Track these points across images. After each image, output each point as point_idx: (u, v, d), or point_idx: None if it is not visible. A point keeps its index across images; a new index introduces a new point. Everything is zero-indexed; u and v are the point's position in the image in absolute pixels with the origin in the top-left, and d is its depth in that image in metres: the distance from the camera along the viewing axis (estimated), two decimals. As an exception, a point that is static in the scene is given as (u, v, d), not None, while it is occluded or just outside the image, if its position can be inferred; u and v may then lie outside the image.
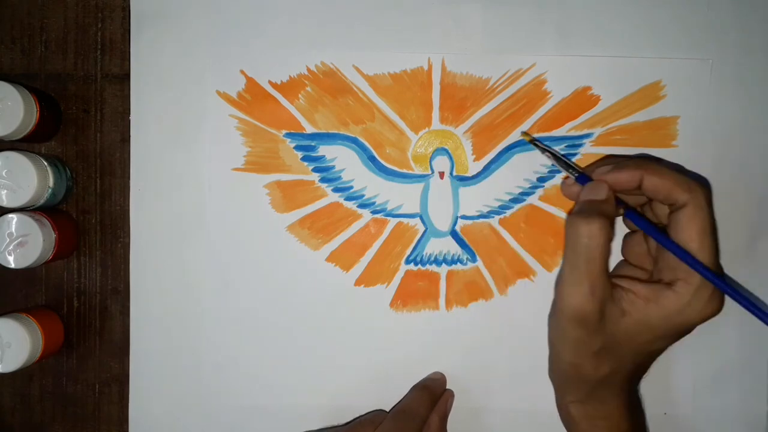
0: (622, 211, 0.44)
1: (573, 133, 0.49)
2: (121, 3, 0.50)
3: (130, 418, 0.50)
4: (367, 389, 0.50)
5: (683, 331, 0.41)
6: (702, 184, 0.41)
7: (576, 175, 0.44)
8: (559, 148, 0.49)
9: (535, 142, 0.48)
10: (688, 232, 0.39)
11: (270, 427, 0.50)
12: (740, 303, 0.39)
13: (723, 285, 0.39)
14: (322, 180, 0.50)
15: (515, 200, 0.49)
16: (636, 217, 0.43)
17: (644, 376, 0.46)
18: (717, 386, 0.50)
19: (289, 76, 0.49)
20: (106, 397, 0.51)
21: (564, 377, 0.44)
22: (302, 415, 0.50)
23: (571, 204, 0.49)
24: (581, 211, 0.40)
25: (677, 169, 0.42)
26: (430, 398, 0.47)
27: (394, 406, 0.48)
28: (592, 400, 0.43)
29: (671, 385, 0.50)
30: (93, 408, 0.51)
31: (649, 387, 0.50)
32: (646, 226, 0.42)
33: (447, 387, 0.49)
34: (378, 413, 0.49)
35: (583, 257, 0.39)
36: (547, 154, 0.46)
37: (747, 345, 0.50)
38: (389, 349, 0.50)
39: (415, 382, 0.49)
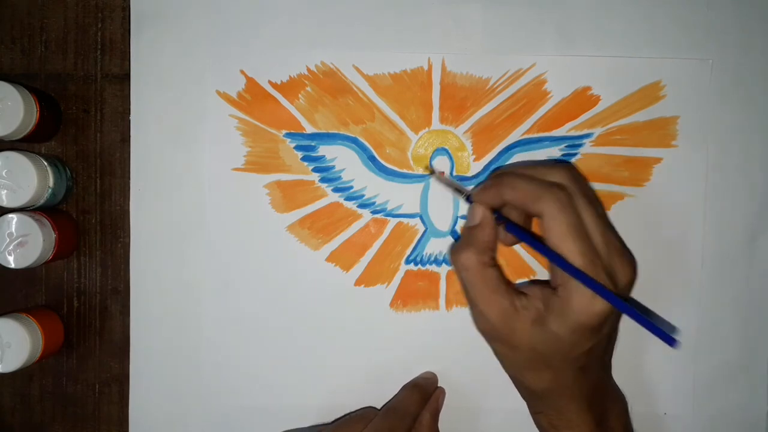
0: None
1: (573, 133, 0.49)
2: (121, 3, 0.50)
3: (130, 418, 0.50)
4: (367, 389, 0.50)
5: (588, 331, 0.39)
6: (559, 186, 0.40)
7: (465, 198, 0.46)
8: (558, 148, 0.49)
9: (434, 175, 0.49)
10: (553, 239, 0.40)
11: (270, 427, 0.50)
12: (609, 300, 0.38)
13: (589, 281, 0.38)
14: (322, 180, 0.50)
15: (515, 200, 0.49)
16: (512, 228, 0.43)
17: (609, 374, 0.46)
18: (717, 386, 0.50)
19: (289, 76, 0.49)
20: (106, 397, 0.51)
21: (519, 391, 0.45)
22: (302, 415, 0.50)
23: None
24: (457, 242, 0.43)
25: (536, 172, 0.42)
26: (421, 396, 0.47)
27: (385, 404, 0.48)
28: (551, 410, 0.43)
29: (671, 385, 0.50)
30: (93, 408, 0.51)
31: (649, 387, 0.50)
32: (521, 235, 0.42)
33: (444, 386, 0.50)
34: (368, 410, 0.49)
35: (466, 284, 0.42)
36: (443, 184, 0.48)
37: (747, 345, 0.50)
38: (389, 349, 0.50)
39: (416, 382, 0.49)
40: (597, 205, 0.42)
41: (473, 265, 0.42)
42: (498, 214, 0.43)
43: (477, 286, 0.41)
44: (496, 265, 0.42)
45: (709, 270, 0.50)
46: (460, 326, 0.49)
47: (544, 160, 0.48)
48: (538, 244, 0.41)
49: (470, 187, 0.48)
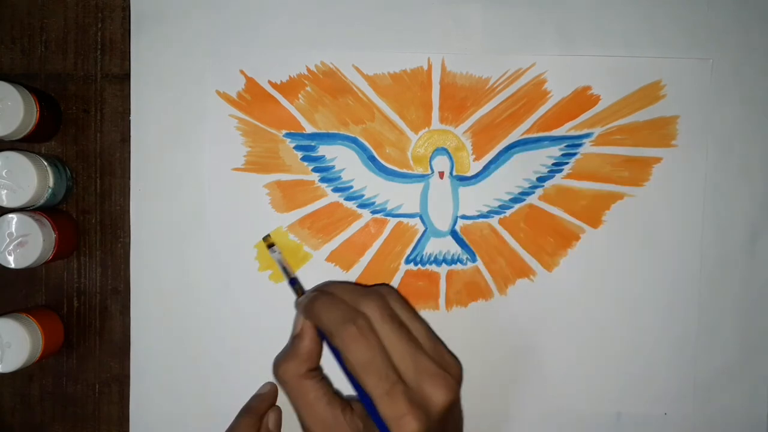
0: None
1: (573, 132, 0.49)
2: (121, 3, 0.50)
3: (130, 418, 0.50)
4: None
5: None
6: (361, 316, 0.40)
7: (289, 280, 0.48)
8: (558, 148, 0.49)
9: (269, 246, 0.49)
10: (352, 373, 0.40)
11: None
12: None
13: (376, 418, 0.39)
14: (322, 180, 0.50)
15: (515, 200, 0.49)
16: (324, 339, 0.43)
17: None
18: (717, 386, 0.50)
19: (289, 76, 0.49)
20: (106, 397, 0.51)
21: None
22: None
23: (573, 204, 0.49)
24: (281, 352, 0.44)
25: (351, 297, 0.42)
26: (254, 420, 0.47)
27: None
28: None
29: (671, 385, 0.50)
30: (93, 408, 0.51)
31: (649, 387, 0.50)
32: (335, 355, 0.42)
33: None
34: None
35: (288, 396, 0.42)
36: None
37: (747, 345, 0.50)
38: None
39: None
40: (407, 329, 0.41)
41: (291, 377, 0.42)
42: (320, 330, 0.43)
43: (297, 398, 0.41)
44: (317, 376, 0.42)
45: (709, 270, 0.50)
46: (460, 326, 0.49)
47: (361, 287, 0.44)
48: (346, 369, 0.41)
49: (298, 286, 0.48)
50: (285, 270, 0.48)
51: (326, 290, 0.43)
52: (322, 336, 0.42)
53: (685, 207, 0.49)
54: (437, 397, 0.39)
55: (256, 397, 0.49)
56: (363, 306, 0.41)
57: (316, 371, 0.43)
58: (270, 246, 0.49)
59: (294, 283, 0.48)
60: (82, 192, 0.50)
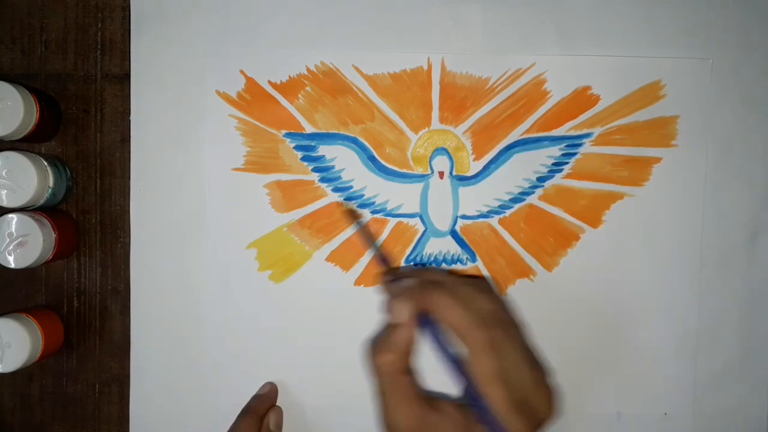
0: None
1: (573, 132, 0.49)
2: (121, 3, 0.50)
3: (130, 418, 0.50)
4: (367, 389, 0.50)
5: None
6: (486, 321, 0.38)
7: (388, 278, 0.44)
8: (558, 148, 0.49)
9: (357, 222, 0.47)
10: (477, 379, 0.37)
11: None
12: None
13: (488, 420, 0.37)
14: (322, 180, 0.50)
15: (515, 200, 0.49)
16: (436, 340, 0.40)
17: None
18: (717, 386, 0.50)
19: (289, 76, 0.49)
20: (106, 397, 0.51)
21: None
22: (302, 415, 0.50)
23: (573, 204, 0.49)
24: (376, 340, 0.40)
25: (465, 293, 0.39)
26: (255, 421, 0.47)
27: None
28: None
29: (671, 385, 0.50)
30: (93, 408, 0.51)
31: (649, 387, 0.50)
32: (444, 353, 0.39)
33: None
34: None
35: (382, 389, 0.39)
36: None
37: (747, 345, 0.50)
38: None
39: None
40: (523, 336, 0.39)
41: (391, 370, 0.38)
42: (425, 319, 0.39)
43: (393, 393, 0.38)
44: (411, 373, 0.39)
45: (709, 270, 0.50)
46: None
47: (474, 278, 0.43)
48: (460, 371, 0.38)
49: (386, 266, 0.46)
50: (375, 246, 0.45)
51: (440, 282, 0.40)
52: (426, 326, 0.39)
53: (685, 207, 0.49)
54: (544, 408, 0.38)
55: (256, 398, 0.49)
56: (484, 307, 0.38)
57: (411, 366, 0.39)
58: (355, 216, 0.47)
59: (383, 258, 0.44)
60: (82, 192, 0.50)
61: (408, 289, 0.40)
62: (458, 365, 0.38)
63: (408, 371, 0.39)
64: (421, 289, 0.40)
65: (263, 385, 0.50)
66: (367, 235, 0.46)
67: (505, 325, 0.38)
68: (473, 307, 0.38)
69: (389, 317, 0.40)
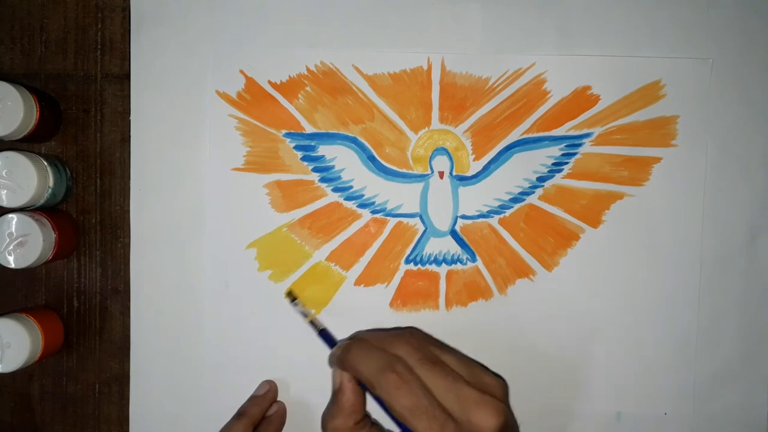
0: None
1: (572, 132, 0.49)
2: (121, 3, 0.50)
3: (130, 418, 0.50)
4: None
5: None
6: (397, 361, 0.40)
7: (318, 331, 0.47)
8: (558, 148, 0.49)
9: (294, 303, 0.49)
10: (397, 417, 0.39)
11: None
12: None
13: None
14: (322, 180, 0.50)
15: (515, 200, 0.49)
16: (373, 397, 0.41)
17: None
18: (717, 386, 0.50)
19: (289, 76, 0.49)
20: (106, 397, 0.51)
21: None
22: (302, 415, 0.50)
23: (573, 204, 0.49)
24: (326, 408, 0.43)
25: (383, 343, 0.41)
26: (246, 428, 0.46)
27: None
28: None
29: (671, 385, 0.50)
30: (93, 408, 0.51)
31: (649, 387, 0.50)
32: (381, 405, 0.41)
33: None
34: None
35: None
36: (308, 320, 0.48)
37: (747, 345, 0.50)
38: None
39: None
40: (443, 364, 0.41)
41: (341, 428, 0.41)
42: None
43: None
44: (367, 425, 0.42)
45: (709, 270, 0.50)
46: (460, 326, 0.49)
47: (389, 331, 0.45)
48: (392, 415, 0.40)
49: (322, 328, 0.48)
50: (313, 323, 0.48)
51: (358, 338, 0.43)
52: (363, 385, 0.42)
53: (685, 207, 0.49)
54: (487, 423, 0.39)
55: (252, 400, 0.49)
56: (395, 350, 0.41)
57: (364, 420, 0.42)
58: (293, 300, 0.49)
59: (324, 334, 0.47)
60: (82, 192, 0.50)
61: (333, 357, 0.43)
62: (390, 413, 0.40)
63: (359, 427, 0.41)
64: (341, 352, 0.42)
65: (261, 384, 0.49)
66: (311, 319, 0.49)
67: (417, 361, 0.40)
68: (378, 355, 0.40)
69: (333, 385, 0.43)
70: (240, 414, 0.47)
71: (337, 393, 0.42)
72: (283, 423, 0.49)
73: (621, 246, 0.49)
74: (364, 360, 0.41)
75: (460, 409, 0.39)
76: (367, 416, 0.42)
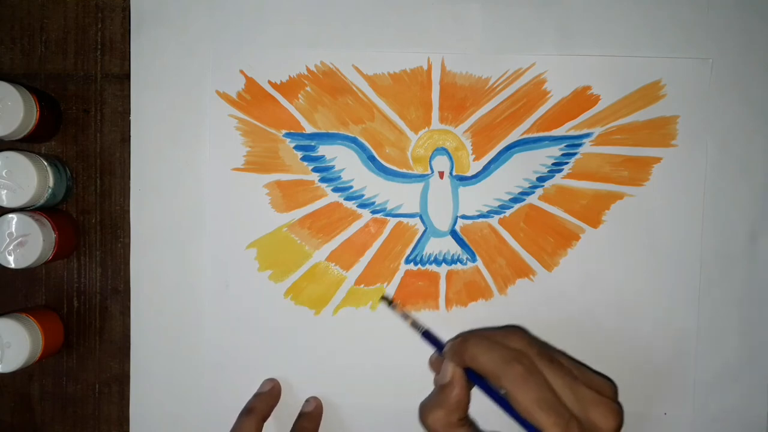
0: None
1: (573, 132, 0.49)
2: (121, 3, 0.50)
3: (130, 418, 0.50)
4: (367, 389, 0.50)
5: None
6: (519, 355, 0.39)
7: (421, 333, 0.46)
8: (558, 148, 0.49)
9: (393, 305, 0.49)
10: (523, 414, 0.38)
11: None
12: None
13: None
14: (322, 180, 0.50)
15: (515, 200, 0.49)
16: (486, 390, 0.41)
17: None
18: (717, 386, 0.50)
19: (289, 76, 0.49)
20: (106, 397, 0.51)
21: None
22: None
23: (573, 204, 0.49)
24: (427, 398, 0.42)
25: (496, 337, 0.41)
26: (256, 424, 0.46)
27: None
28: None
29: (671, 385, 0.50)
30: (93, 408, 0.51)
31: (649, 387, 0.50)
32: (496, 399, 0.41)
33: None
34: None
35: None
36: (413, 326, 0.47)
37: (747, 345, 0.50)
38: (390, 349, 0.50)
39: (415, 381, 0.49)
40: (559, 362, 0.40)
41: (442, 426, 0.40)
42: (471, 373, 0.41)
43: None
44: (466, 425, 0.41)
45: (709, 270, 0.50)
46: (460, 326, 0.49)
47: (498, 328, 0.44)
48: (513, 411, 0.39)
49: (425, 329, 0.47)
50: (414, 325, 0.47)
51: (472, 333, 0.42)
52: (473, 380, 0.41)
53: (685, 207, 0.49)
54: (607, 423, 0.38)
55: (257, 397, 0.49)
56: (512, 344, 0.40)
57: (466, 419, 0.41)
58: (390, 304, 0.49)
59: (428, 335, 0.47)
60: (82, 192, 0.50)
61: (449, 350, 0.42)
62: (508, 406, 0.39)
63: (461, 424, 0.41)
64: (458, 345, 0.41)
65: (264, 382, 0.49)
66: (413, 320, 0.48)
67: (536, 356, 0.40)
68: (501, 348, 0.40)
69: (438, 380, 0.42)
70: (248, 410, 0.47)
71: (446, 387, 0.41)
72: (320, 417, 0.49)
73: (621, 246, 0.49)
74: (485, 352, 0.40)
75: (579, 408, 0.38)
76: (467, 416, 0.42)
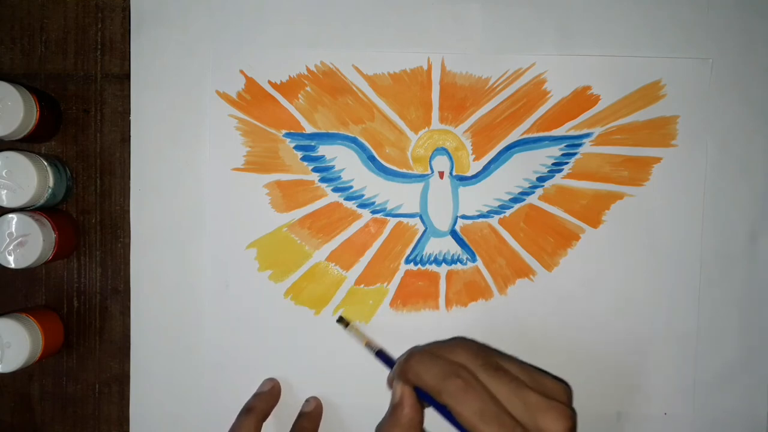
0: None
1: (573, 132, 0.49)
2: (121, 3, 0.50)
3: (130, 418, 0.50)
4: (367, 389, 0.50)
5: None
6: (460, 368, 0.39)
7: (374, 353, 0.47)
8: (558, 148, 0.49)
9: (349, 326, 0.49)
10: (467, 427, 0.38)
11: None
12: None
13: None
14: (322, 180, 0.50)
15: (515, 200, 0.49)
16: (437, 408, 0.40)
17: None
18: (717, 386, 0.50)
19: (289, 76, 0.49)
20: (106, 397, 0.51)
21: None
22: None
23: (573, 204, 0.49)
24: (383, 420, 0.41)
25: (441, 352, 0.40)
26: (255, 424, 0.46)
27: None
28: None
29: (671, 385, 0.50)
30: (93, 408, 0.51)
31: (649, 387, 0.50)
32: (445, 416, 0.40)
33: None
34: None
35: None
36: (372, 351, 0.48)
37: (747, 345, 0.50)
38: (389, 349, 0.50)
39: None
40: (505, 369, 0.40)
41: None
42: (419, 391, 0.40)
43: None
44: None
45: (709, 270, 0.50)
46: (460, 326, 0.49)
47: (444, 342, 0.43)
48: (461, 427, 0.39)
49: (379, 348, 0.48)
50: (368, 346, 0.48)
51: (416, 350, 0.42)
52: (424, 398, 0.41)
53: (685, 207, 0.49)
54: (555, 428, 0.38)
55: (256, 396, 0.49)
56: (455, 358, 0.40)
57: None
58: (346, 326, 0.49)
59: (381, 355, 0.47)
60: (82, 192, 0.50)
61: (396, 369, 0.42)
62: (456, 422, 0.39)
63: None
64: (403, 363, 0.41)
65: (264, 382, 0.49)
66: (367, 340, 0.48)
67: (480, 367, 0.39)
68: (442, 363, 0.39)
69: (391, 400, 0.41)
70: (248, 410, 0.47)
71: (396, 407, 0.41)
72: (320, 417, 0.49)
73: (621, 246, 0.49)
74: (427, 368, 0.40)
75: (527, 415, 0.38)
76: None
